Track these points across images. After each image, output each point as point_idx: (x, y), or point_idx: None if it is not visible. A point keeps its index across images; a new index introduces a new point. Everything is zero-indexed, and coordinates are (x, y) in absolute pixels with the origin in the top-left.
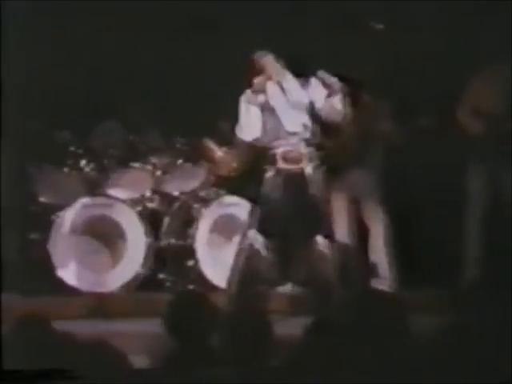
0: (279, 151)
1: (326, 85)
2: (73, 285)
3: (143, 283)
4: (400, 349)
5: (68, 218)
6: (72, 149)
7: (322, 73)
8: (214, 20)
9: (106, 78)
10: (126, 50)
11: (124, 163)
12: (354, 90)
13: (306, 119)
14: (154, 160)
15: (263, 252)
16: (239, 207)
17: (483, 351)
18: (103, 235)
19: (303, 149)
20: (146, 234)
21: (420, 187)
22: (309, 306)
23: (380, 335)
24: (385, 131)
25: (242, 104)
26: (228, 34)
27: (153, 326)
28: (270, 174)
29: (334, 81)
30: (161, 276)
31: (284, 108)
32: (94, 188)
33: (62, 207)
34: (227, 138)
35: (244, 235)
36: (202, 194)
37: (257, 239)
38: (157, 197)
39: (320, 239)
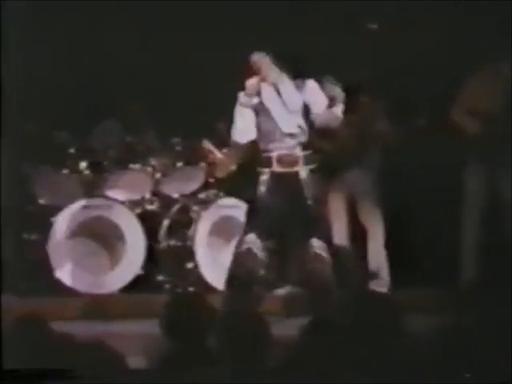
0: (274, 154)
1: (328, 94)
2: (71, 286)
3: (142, 285)
4: (398, 349)
5: (67, 219)
6: (71, 150)
7: (327, 81)
8: (214, 21)
9: (106, 79)
10: (126, 51)
11: (123, 165)
12: (351, 91)
13: (301, 122)
14: (153, 162)
15: (261, 255)
16: (238, 209)
17: (483, 351)
18: (102, 237)
19: (298, 152)
20: (144, 235)
21: (418, 187)
22: (306, 308)
23: (378, 336)
24: (382, 131)
25: (237, 107)
26: (228, 34)
27: (151, 328)
28: (265, 176)
29: (338, 91)
30: (160, 278)
31: (279, 110)
32: (93, 189)
33: (60, 208)
34: (227, 140)
35: (241, 239)
36: (202, 195)
37: (255, 243)
38: (156, 199)
39: (315, 241)
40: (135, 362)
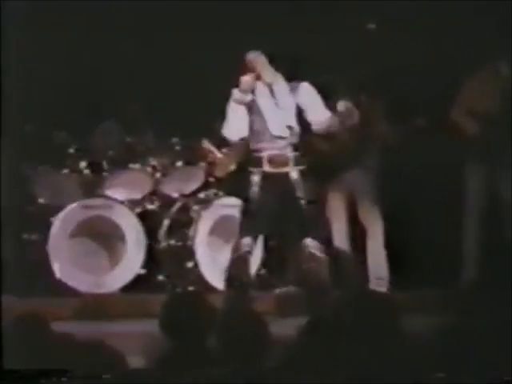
0: (265, 154)
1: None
2: (71, 286)
3: (142, 285)
4: (398, 349)
5: (67, 219)
6: (71, 150)
7: (342, 104)
8: (215, 20)
9: (105, 79)
10: (126, 51)
11: (123, 165)
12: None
13: (292, 123)
14: (153, 162)
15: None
16: (238, 209)
17: (483, 351)
18: (102, 237)
19: (289, 152)
20: (145, 235)
21: (417, 187)
22: (303, 307)
23: (377, 336)
24: (381, 131)
25: (230, 103)
26: (228, 34)
27: (151, 328)
28: (256, 177)
29: (354, 112)
30: (160, 278)
31: (272, 110)
32: (93, 189)
33: (60, 208)
34: (226, 140)
35: (237, 242)
36: (201, 195)
37: (251, 246)
38: (156, 198)
39: (310, 241)
40: (135, 361)
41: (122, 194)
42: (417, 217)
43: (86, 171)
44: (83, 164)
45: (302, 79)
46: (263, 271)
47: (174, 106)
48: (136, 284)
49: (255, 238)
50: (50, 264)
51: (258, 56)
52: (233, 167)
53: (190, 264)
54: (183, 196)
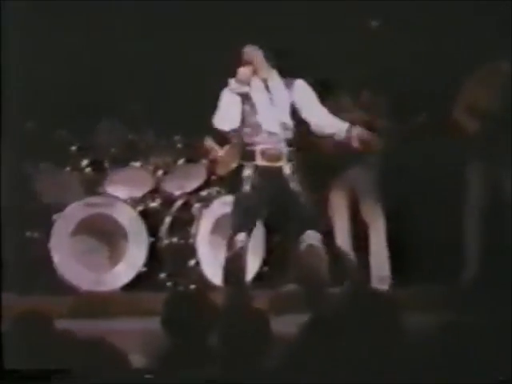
0: (258, 148)
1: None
2: (73, 284)
3: (144, 282)
4: (398, 348)
5: (68, 217)
6: (73, 148)
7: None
8: (216, 19)
9: (107, 77)
10: (127, 49)
11: (124, 163)
12: (352, 89)
13: (286, 119)
14: (154, 159)
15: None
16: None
17: (483, 350)
18: (104, 234)
19: (283, 147)
20: (146, 233)
21: (418, 186)
22: (302, 305)
23: (378, 334)
24: (383, 129)
25: (225, 92)
26: (229, 33)
27: (153, 326)
28: (248, 171)
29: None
30: (162, 276)
31: (266, 106)
32: (95, 187)
33: (62, 206)
34: (228, 138)
35: (231, 238)
36: (203, 193)
37: (246, 242)
38: (158, 196)
39: (308, 235)
40: (137, 360)
41: (124, 191)
42: (417, 215)
43: (88, 169)
44: (85, 162)
45: (303, 77)
46: (265, 269)
47: (176, 104)
48: (137, 282)
49: (249, 234)
50: (51, 262)
51: (254, 50)
52: (235, 165)
53: (191, 262)
54: (185, 194)
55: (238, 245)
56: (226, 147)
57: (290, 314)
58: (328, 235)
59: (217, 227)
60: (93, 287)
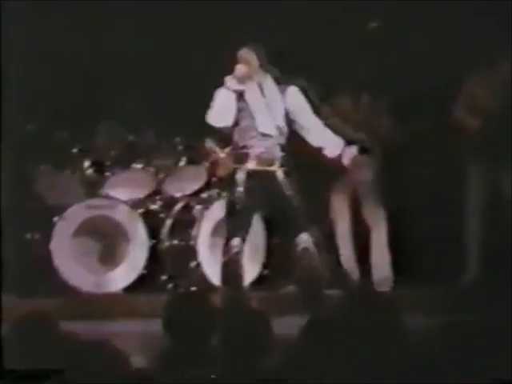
0: (252, 151)
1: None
2: (74, 286)
3: (145, 284)
4: (398, 348)
5: (70, 219)
6: (73, 150)
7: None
8: (216, 19)
9: (107, 79)
10: (128, 51)
11: (125, 164)
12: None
13: (281, 123)
14: (155, 161)
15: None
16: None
17: (483, 351)
18: (105, 236)
19: (277, 152)
20: (147, 235)
21: (419, 187)
22: (301, 306)
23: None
24: (384, 131)
25: (220, 90)
26: (230, 33)
27: (154, 327)
28: (241, 174)
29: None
30: (163, 278)
31: (261, 108)
32: (96, 189)
33: (63, 208)
34: (229, 140)
35: (226, 244)
36: (204, 195)
37: (241, 246)
38: (159, 198)
39: (302, 237)
40: (138, 361)
41: (125, 193)
42: (419, 216)
43: (89, 171)
44: (86, 164)
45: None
46: (266, 272)
47: (177, 106)
48: (138, 284)
49: (244, 238)
50: (52, 264)
51: (249, 53)
52: (236, 167)
53: (192, 264)
54: (186, 196)
55: (234, 250)
56: (227, 149)
57: (290, 315)
58: (329, 239)
59: (218, 229)
60: (94, 289)
